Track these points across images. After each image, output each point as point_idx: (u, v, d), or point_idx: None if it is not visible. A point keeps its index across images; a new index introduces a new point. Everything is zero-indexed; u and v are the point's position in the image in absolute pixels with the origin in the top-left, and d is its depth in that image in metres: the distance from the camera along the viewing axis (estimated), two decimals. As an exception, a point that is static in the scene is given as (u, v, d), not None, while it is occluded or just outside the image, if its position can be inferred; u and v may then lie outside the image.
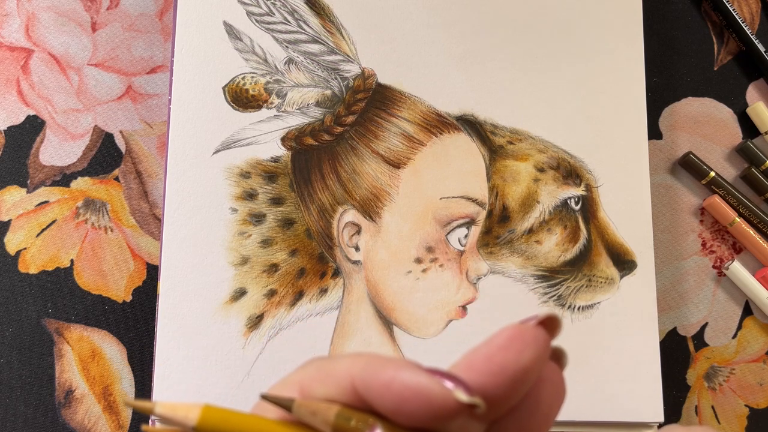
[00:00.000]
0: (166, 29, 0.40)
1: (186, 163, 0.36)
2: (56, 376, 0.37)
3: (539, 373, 0.17)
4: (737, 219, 0.40)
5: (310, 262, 0.36)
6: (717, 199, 0.40)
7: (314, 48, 0.38)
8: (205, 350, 0.35)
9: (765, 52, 0.42)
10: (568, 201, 0.38)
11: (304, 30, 0.38)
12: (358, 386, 0.17)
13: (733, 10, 0.42)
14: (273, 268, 0.36)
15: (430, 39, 0.39)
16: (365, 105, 0.38)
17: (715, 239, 0.41)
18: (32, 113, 0.39)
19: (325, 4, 0.38)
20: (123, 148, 0.39)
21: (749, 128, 0.42)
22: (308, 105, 0.38)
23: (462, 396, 0.16)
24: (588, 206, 0.38)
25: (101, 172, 0.39)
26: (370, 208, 0.37)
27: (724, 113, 0.42)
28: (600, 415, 0.36)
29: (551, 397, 0.18)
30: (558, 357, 0.19)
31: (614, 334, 0.37)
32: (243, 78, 0.37)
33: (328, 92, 0.38)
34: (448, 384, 0.16)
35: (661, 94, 0.42)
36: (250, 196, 0.37)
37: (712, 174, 0.40)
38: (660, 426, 0.38)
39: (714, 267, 0.41)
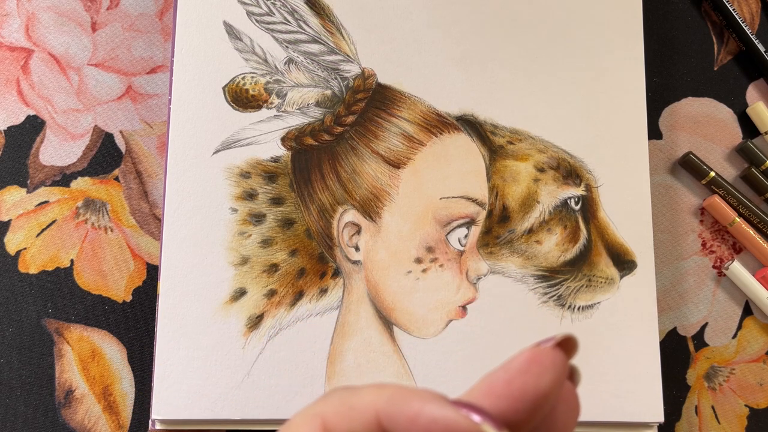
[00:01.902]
0: (166, 29, 0.40)
1: (186, 163, 0.36)
2: (56, 376, 0.37)
3: (558, 395, 0.17)
4: (737, 219, 0.40)
5: (310, 262, 0.36)
6: (717, 199, 0.40)
7: (314, 48, 0.38)
8: (205, 350, 0.35)
9: (765, 52, 0.42)
10: (568, 201, 0.38)
11: (304, 30, 0.38)
12: (383, 420, 0.17)
13: (733, 10, 0.42)
14: (273, 268, 0.36)
15: (430, 39, 0.38)
16: (365, 105, 0.38)
17: (715, 239, 0.41)
18: (32, 113, 0.39)
19: (325, 4, 0.38)
20: (123, 148, 0.39)
21: (749, 128, 0.42)
22: (308, 105, 0.38)
23: (490, 430, 0.16)
24: (588, 206, 0.38)
25: (101, 172, 0.39)
26: (370, 208, 0.37)
27: (724, 113, 0.42)
28: (600, 415, 0.36)
29: (566, 415, 0.18)
30: (571, 375, 0.19)
31: (614, 334, 0.37)
32: (243, 78, 0.37)
33: (328, 92, 0.38)
34: (475, 417, 0.16)
35: (661, 94, 0.42)
36: (250, 196, 0.37)
37: (712, 174, 0.40)
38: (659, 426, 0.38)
39: (714, 267, 0.41)
